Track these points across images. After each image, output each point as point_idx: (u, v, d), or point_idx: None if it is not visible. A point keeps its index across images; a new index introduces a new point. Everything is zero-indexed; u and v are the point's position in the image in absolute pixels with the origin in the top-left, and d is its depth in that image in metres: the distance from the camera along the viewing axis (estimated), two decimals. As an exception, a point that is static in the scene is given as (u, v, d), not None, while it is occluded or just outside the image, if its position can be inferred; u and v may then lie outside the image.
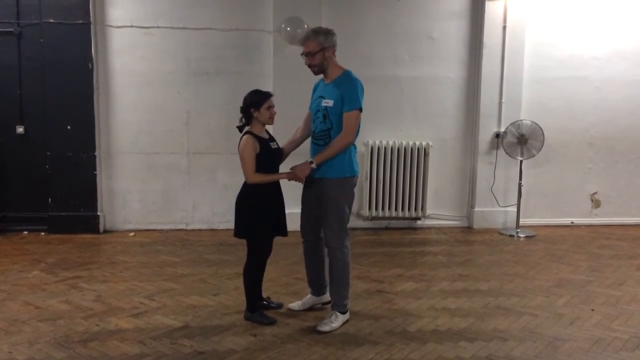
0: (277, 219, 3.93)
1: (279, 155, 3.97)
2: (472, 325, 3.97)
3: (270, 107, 3.83)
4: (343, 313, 3.93)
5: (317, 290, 4.17)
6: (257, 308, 3.99)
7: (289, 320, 3.99)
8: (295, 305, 4.17)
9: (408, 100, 6.74)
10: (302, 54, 3.86)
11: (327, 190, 3.82)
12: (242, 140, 3.81)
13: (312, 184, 3.91)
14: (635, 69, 7.00)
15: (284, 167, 3.98)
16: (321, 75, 3.95)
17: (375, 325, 3.94)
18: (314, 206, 3.93)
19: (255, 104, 3.79)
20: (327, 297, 4.14)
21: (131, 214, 6.57)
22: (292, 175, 3.83)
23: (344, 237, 3.86)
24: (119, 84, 6.39)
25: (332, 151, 3.76)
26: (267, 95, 3.83)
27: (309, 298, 4.18)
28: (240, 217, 3.89)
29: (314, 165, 3.78)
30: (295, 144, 4.12)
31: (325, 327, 3.82)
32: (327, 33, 3.80)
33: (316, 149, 3.88)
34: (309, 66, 3.84)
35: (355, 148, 3.93)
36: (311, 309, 4.18)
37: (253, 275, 3.97)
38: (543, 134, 6.45)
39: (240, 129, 3.88)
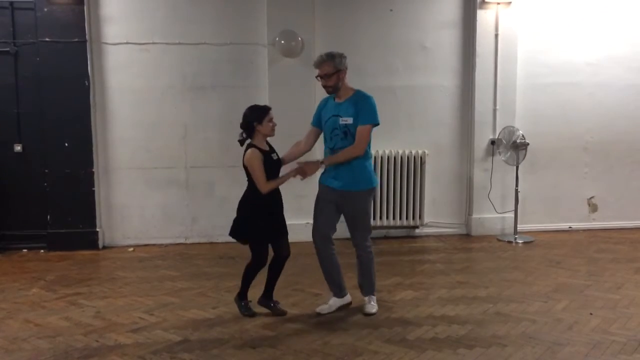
0: (277, 223, 4.17)
1: (279, 165, 4.18)
2: (471, 332, 3.98)
3: (272, 119, 4.07)
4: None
5: (339, 292, 4.37)
6: (245, 297, 4.30)
7: (288, 332, 4.00)
8: (323, 308, 4.34)
9: (403, 109, 6.78)
10: (317, 77, 4.13)
11: (356, 202, 4.17)
12: (247, 153, 4.01)
13: (334, 195, 4.18)
14: (628, 73, 7.06)
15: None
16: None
17: (374, 334, 3.94)
18: (334, 214, 4.23)
19: (258, 118, 4.02)
20: (348, 298, 4.42)
21: (130, 230, 6.58)
22: (299, 170, 4.07)
23: (369, 237, 4.35)
24: (116, 100, 6.43)
25: (341, 158, 4.09)
26: (267, 109, 4.08)
27: (333, 301, 4.37)
28: (240, 218, 4.12)
29: (323, 166, 4.15)
30: (295, 156, 4.37)
31: (372, 309, 4.29)
32: (341, 56, 4.11)
33: (337, 165, 4.15)
34: (325, 87, 4.14)
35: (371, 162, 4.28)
36: (310, 317, 4.23)
37: (249, 272, 4.24)
38: (526, 142, 6.50)
39: (241, 142, 4.10)
